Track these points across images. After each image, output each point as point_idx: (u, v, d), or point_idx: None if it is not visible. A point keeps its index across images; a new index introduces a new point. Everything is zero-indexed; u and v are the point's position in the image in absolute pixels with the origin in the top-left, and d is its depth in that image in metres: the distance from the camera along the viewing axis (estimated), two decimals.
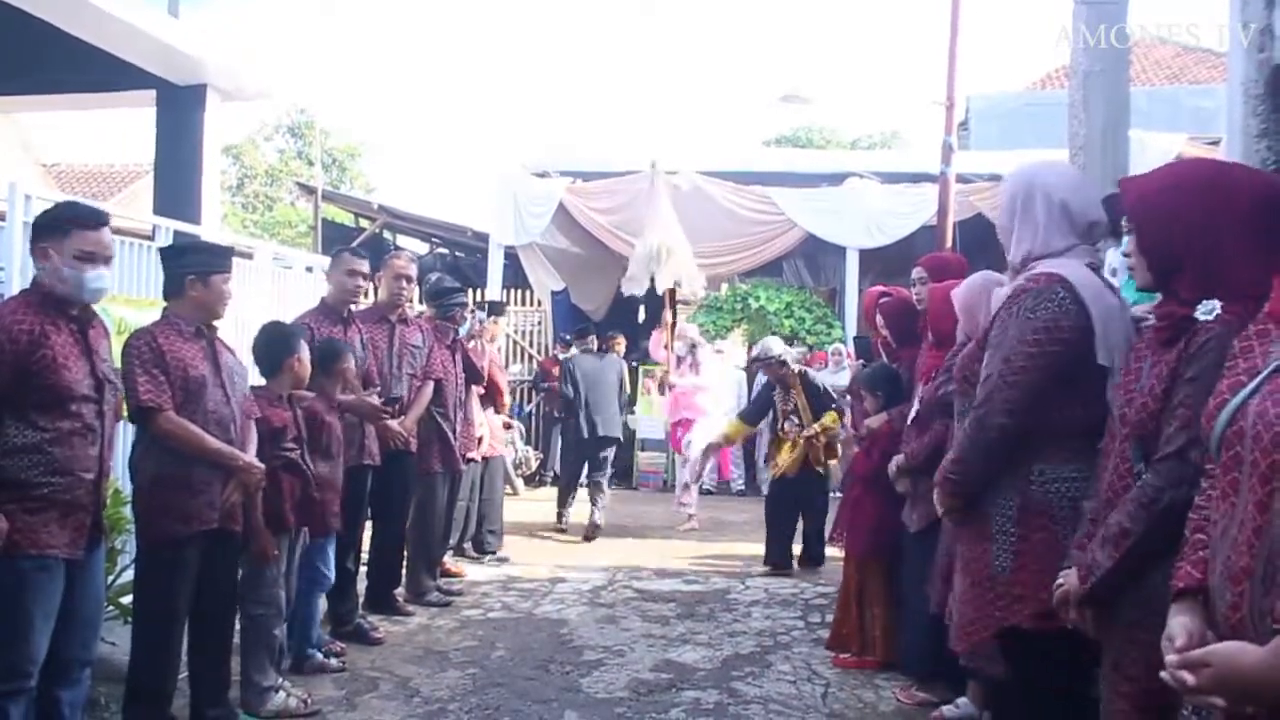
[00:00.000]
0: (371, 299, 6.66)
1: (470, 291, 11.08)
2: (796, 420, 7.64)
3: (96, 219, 3.34)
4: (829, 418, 7.54)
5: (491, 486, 7.81)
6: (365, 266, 5.62)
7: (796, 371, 7.86)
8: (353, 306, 5.63)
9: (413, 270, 6.00)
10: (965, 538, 2.95)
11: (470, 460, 7.09)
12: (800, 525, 7.78)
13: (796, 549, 7.79)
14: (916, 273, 4.97)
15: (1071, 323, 2.64)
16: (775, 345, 8.00)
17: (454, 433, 6.29)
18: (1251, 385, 1.59)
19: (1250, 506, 1.56)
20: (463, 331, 6.64)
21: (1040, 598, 2.56)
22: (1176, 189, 2.27)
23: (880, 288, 5.70)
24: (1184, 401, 2.13)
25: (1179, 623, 1.62)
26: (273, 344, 4.44)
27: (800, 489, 7.63)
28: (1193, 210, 2.21)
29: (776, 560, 7.68)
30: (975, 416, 2.80)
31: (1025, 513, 2.72)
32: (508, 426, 8.85)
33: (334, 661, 4.96)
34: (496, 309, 8.61)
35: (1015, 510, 2.74)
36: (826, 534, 6.97)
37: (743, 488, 12.03)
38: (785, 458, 7.66)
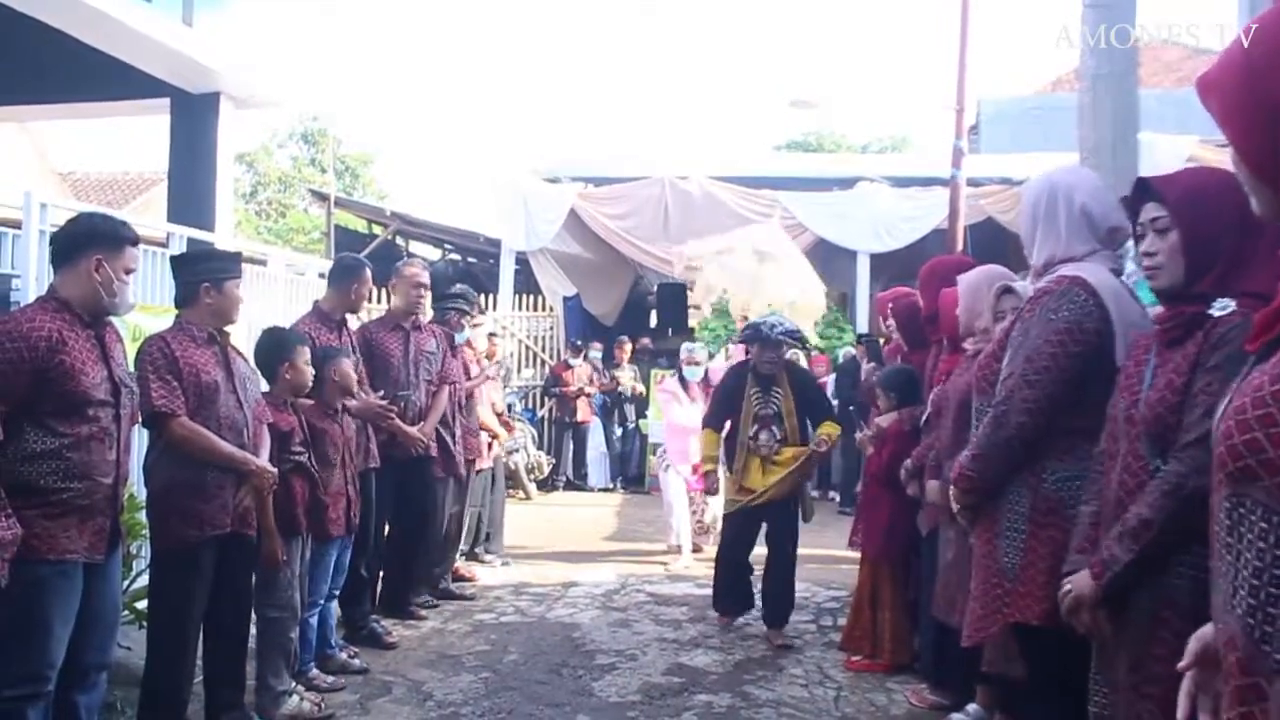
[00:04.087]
0: (383, 307, 6.64)
1: (485, 297, 11.15)
2: (777, 432, 5.86)
3: (138, 237, 3.45)
4: (828, 428, 5.91)
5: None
6: (427, 277, 5.90)
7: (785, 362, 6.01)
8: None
9: (426, 277, 6.04)
10: (977, 534, 2.98)
11: (480, 470, 7.16)
12: (766, 566, 5.99)
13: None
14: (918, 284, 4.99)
15: (1093, 325, 2.68)
16: (788, 320, 6.16)
17: (454, 438, 6.26)
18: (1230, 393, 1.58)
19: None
20: (460, 338, 6.61)
21: (1050, 595, 2.56)
22: (1224, 185, 2.28)
23: (904, 289, 5.66)
24: (1205, 389, 2.15)
25: (1197, 634, 1.56)
26: (269, 351, 4.49)
27: (771, 517, 5.96)
28: (1237, 207, 2.22)
29: (734, 606, 6.13)
30: (995, 414, 2.82)
31: (1036, 511, 2.75)
32: (504, 422, 8.69)
33: (356, 662, 5.02)
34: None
35: (1026, 508, 2.77)
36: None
37: None
38: (758, 480, 5.86)
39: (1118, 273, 2.88)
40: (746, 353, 6.32)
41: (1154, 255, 2.39)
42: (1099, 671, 2.38)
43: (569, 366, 12.62)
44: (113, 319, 3.45)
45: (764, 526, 6.00)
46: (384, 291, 6.89)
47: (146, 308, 5.04)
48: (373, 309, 9.27)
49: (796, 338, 5.95)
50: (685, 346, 8.87)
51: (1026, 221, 3.01)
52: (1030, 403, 2.72)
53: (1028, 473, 2.79)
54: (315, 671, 4.73)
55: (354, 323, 5.79)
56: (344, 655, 5.01)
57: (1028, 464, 2.79)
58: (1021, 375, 2.74)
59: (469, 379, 6.79)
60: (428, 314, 6.20)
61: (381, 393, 5.48)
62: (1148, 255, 2.43)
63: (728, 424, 6.13)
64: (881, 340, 6.81)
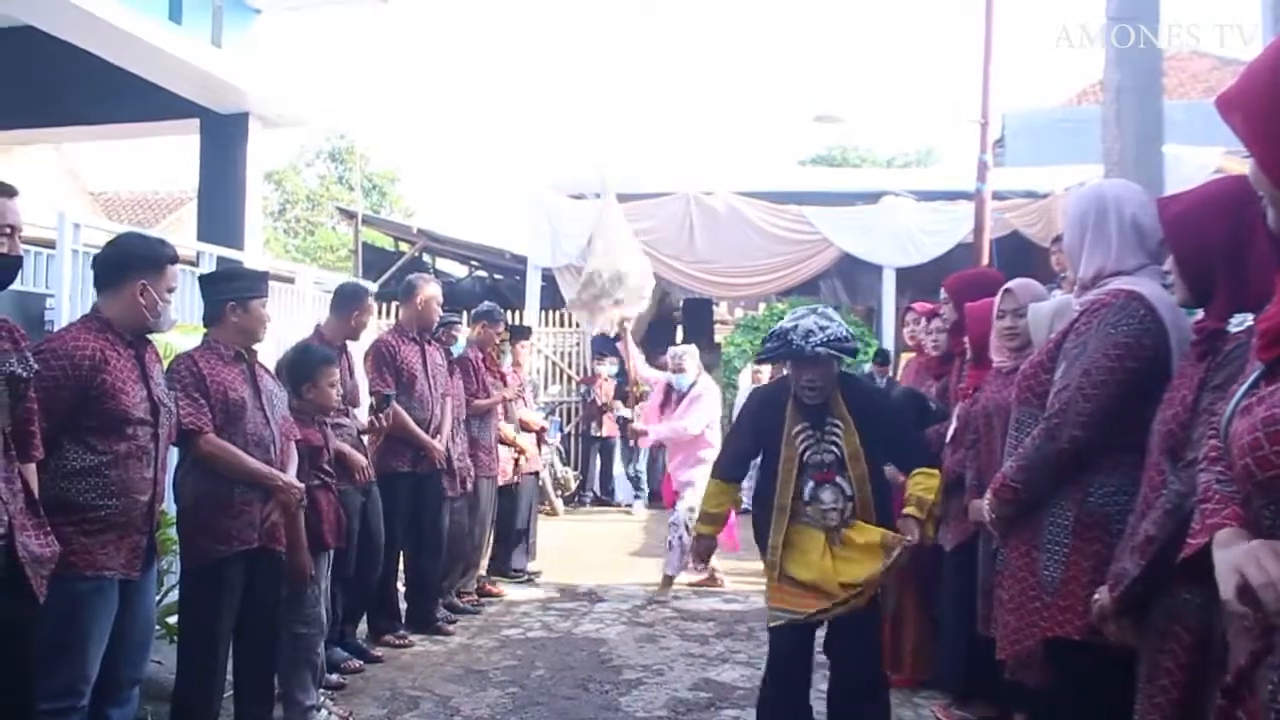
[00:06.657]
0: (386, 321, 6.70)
1: (512, 313, 11.22)
2: (843, 492, 3.72)
3: (177, 254, 3.54)
4: (925, 482, 3.77)
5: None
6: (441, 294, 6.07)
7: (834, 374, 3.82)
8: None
9: (441, 294, 6.19)
10: (1011, 546, 2.94)
11: (509, 484, 7.21)
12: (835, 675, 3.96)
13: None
14: (943, 295, 4.97)
15: (1152, 340, 2.66)
16: (836, 321, 3.85)
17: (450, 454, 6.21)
18: (1236, 397, 1.60)
19: None
20: (455, 351, 6.66)
21: (1090, 610, 2.55)
22: (1206, 207, 2.32)
23: (928, 305, 5.64)
24: (1209, 408, 2.15)
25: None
26: (290, 370, 4.56)
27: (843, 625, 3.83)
28: (1222, 227, 2.24)
29: None
30: (1047, 426, 2.79)
31: (1080, 525, 2.72)
32: (542, 440, 8.67)
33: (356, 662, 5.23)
34: (521, 332, 8.42)
35: (1070, 522, 2.74)
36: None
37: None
38: (820, 568, 3.71)
39: (1167, 287, 2.87)
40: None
41: (1169, 274, 2.45)
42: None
43: (596, 374, 12.64)
44: (151, 338, 3.51)
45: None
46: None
47: (177, 326, 5.11)
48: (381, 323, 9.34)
49: (846, 349, 3.75)
50: (673, 352, 8.10)
51: (1073, 233, 2.99)
52: (1085, 416, 2.70)
53: (1073, 487, 2.76)
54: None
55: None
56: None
57: (1074, 478, 2.76)
58: (1078, 388, 2.71)
59: (488, 396, 6.84)
60: None
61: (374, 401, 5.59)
62: (1168, 272, 2.48)
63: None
64: (909, 354, 6.74)
